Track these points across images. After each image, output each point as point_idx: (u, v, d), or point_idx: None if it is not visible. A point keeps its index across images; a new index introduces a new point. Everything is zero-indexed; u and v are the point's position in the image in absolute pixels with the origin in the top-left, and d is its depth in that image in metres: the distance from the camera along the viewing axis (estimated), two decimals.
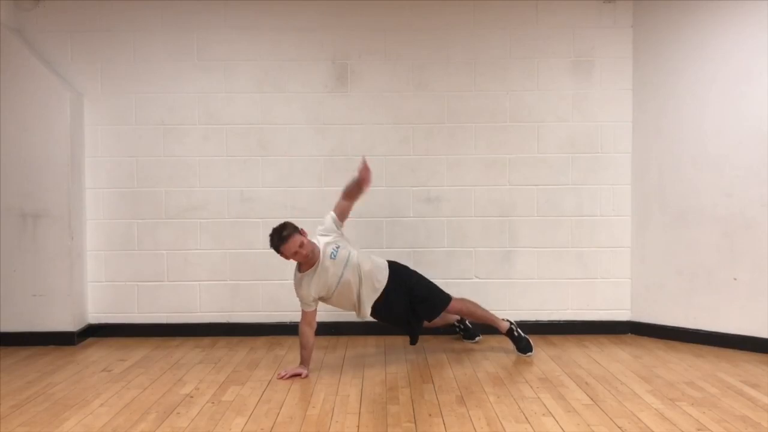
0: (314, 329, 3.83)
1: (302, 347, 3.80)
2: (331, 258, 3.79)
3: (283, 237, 3.67)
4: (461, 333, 4.54)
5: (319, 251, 3.78)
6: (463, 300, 4.17)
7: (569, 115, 4.70)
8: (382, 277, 3.94)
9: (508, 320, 4.24)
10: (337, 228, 3.91)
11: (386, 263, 4.03)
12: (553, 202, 4.71)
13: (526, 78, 4.70)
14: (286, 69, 4.69)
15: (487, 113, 4.70)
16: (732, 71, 4.23)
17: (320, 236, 3.87)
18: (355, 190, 3.89)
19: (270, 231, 3.74)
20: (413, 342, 4.15)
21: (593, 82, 4.69)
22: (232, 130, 4.70)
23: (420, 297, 4.02)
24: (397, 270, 4.04)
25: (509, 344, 4.24)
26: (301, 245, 3.68)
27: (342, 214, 3.92)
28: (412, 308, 4.01)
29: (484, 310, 4.19)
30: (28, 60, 4.46)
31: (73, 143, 4.50)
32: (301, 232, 3.73)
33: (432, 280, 4.16)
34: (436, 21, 4.68)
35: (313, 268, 3.78)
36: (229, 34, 4.68)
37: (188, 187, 4.71)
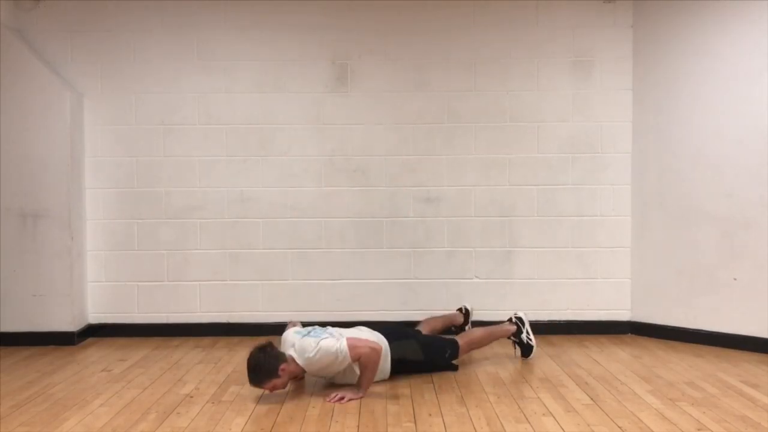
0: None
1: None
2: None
3: (253, 382, 3.34)
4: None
5: (301, 369, 3.40)
6: (463, 346, 3.90)
7: (569, 115, 4.70)
8: (385, 371, 3.64)
9: (518, 320, 4.09)
10: (336, 362, 3.39)
11: (388, 365, 3.63)
12: (553, 202, 4.71)
13: (526, 78, 4.70)
14: (286, 69, 4.69)
15: (487, 113, 4.70)
16: (732, 71, 4.23)
17: (310, 363, 3.37)
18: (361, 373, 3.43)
19: (250, 354, 3.37)
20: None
21: (593, 82, 4.69)
22: (232, 130, 4.70)
23: (425, 372, 3.81)
24: (398, 364, 3.68)
25: (509, 345, 4.22)
26: (274, 387, 3.35)
27: (355, 360, 3.39)
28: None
29: (486, 334, 4.01)
30: (29, 60, 4.46)
31: (73, 143, 4.50)
32: (278, 371, 3.30)
33: (433, 347, 3.82)
34: (436, 21, 4.68)
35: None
36: (229, 34, 4.68)
37: (188, 187, 4.71)
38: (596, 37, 4.68)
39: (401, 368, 3.73)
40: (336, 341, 3.38)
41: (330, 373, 3.50)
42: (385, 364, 3.62)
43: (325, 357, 3.36)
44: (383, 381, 3.65)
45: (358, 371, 3.45)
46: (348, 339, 3.40)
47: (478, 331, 4.06)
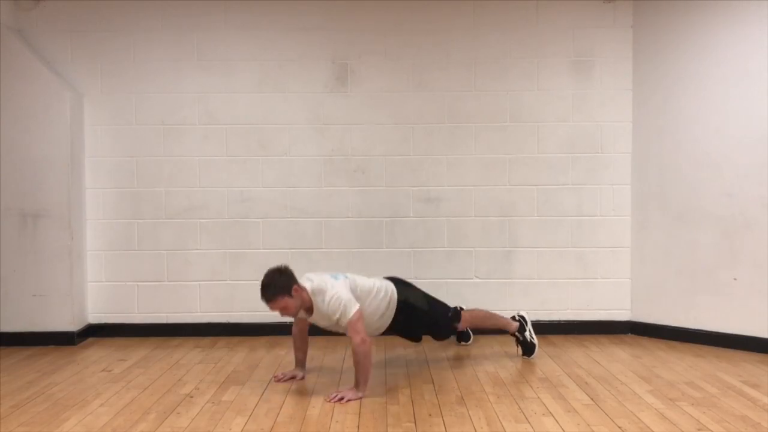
0: (305, 331, 3.78)
1: (295, 349, 3.79)
2: (323, 320, 3.56)
3: (264, 296, 3.40)
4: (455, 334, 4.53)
5: (314, 306, 3.48)
6: (466, 319, 4.04)
7: (569, 115, 4.70)
8: (386, 318, 3.73)
9: (521, 318, 4.15)
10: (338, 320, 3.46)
11: (394, 297, 3.73)
12: (553, 202, 4.71)
13: (526, 78, 4.70)
14: (286, 69, 4.69)
15: (487, 113, 4.70)
16: (732, 71, 4.23)
17: (325, 304, 3.44)
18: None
19: (266, 272, 3.46)
20: (417, 340, 4.13)
21: (593, 82, 4.69)
22: (232, 130, 4.70)
23: (423, 330, 3.96)
24: (402, 307, 3.77)
25: (509, 345, 4.23)
26: (285, 308, 3.40)
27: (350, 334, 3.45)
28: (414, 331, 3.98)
29: (491, 317, 4.11)
30: (29, 60, 4.46)
31: (73, 143, 4.50)
32: (291, 291, 3.39)
33: (438, 306, 3.99)
34: (436, 21, 4.68)
35: (305, 313, 3.57)
36: (229, 34, 4.68)
37: (188, 187, 4.71)
38: (596, 37, 4.68)
39: (404, 318, 3.76)
40: (349, 300, 3.42)
41: (327, 322, 3.52)
42: (391, 305, 3.70)
43: (332, 302, 3.40)
44: (383, 380, 3.66)
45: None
46: (356, 313, 3.40)
47: (482, 311, 4.15)
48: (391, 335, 3.98)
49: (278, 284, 3.39)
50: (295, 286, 3.41)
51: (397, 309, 3.74)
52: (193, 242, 4.72)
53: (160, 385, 3.63)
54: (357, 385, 3.41)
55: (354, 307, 3.41)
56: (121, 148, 4.69)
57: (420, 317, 3.85)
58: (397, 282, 3.86)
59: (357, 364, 3.40)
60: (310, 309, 3.51)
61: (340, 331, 3.61)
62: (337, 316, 3.40)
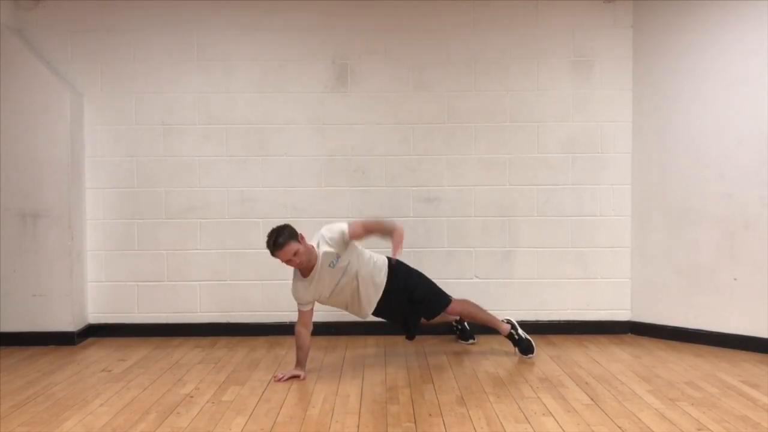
0: (310, 330, 3.81)
1: (298, 348, 3.79)
2: (329, 267, 3.74)
3: (278, 243, 3.58)
4: (457, 333, 4.54)
5: (317, 257, 3.71)
6: (464, 302, 4.15)
7: (569, 115, 4.70)
8: (382, 276, 3.94)
9: (509, 321, 4.21)
10: (343, 243, 3.73)
11: (386, 261, 4.00)
12: (553, 202, 4.71)
13: (526, 78, 4.70)
14: (286, 69, 4.69)
15: (487, 113, 4.70)
16: (732, 71, 4.23)
17: (323, 243, 3.73)
18: (380, 235, 3.84)
19: (269, 231, 3.69)
20: (409, 337, 4.17)
21: (593, 82, 4.69)
22: (232, 130, 4.70)
23: (419, 297, 4.01)
24: (396, 269, 4.01)
25: (510, 345, 4.23)
26: (296, 254, 3.59)
27: (355, 236, 3.75)
28: (411, 306, 4.01)
29: (485, 312, 4.17)
30: (28, 60, 4.46)
31: (73, 143, 4.50)
32: (299, 239, 3.64)
33: (432, 280, 4.15)
34: (436, 21, 4.68)
35: (310, 275, 3.74)
36: (229, 34, 4.68)
37: (188, 187, 4.71)
38: (596, 37, 4.68)
39: (404, 278, 4.00)
40: (338, 224, 3.77)
41: (332, 278, 3.80)
42: (383, 270, 3.96)
43: (328, 231, 3.75)
44: (383, 380, 3.67)
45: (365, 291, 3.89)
46: (352, 224, 3.76)
47: (475, 306, 4.17)
48: (388, 316, 4.07)
49: (287, 231, 3.62)
50: (299, 234, 3.66)
51: (391, 271, 3.96)
52: (193, 242, 4.72)
53: (160, 385, 3.64)
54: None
55: (344, 223, 3.74)
56: (121, 148, 4.69)
57: (418, 278, 4.06)
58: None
59: (380, 225, 3.85)
60: (312, 267, 3.71)
61: (347, 294, 3.87)
62: (337, 234, 3.71)
